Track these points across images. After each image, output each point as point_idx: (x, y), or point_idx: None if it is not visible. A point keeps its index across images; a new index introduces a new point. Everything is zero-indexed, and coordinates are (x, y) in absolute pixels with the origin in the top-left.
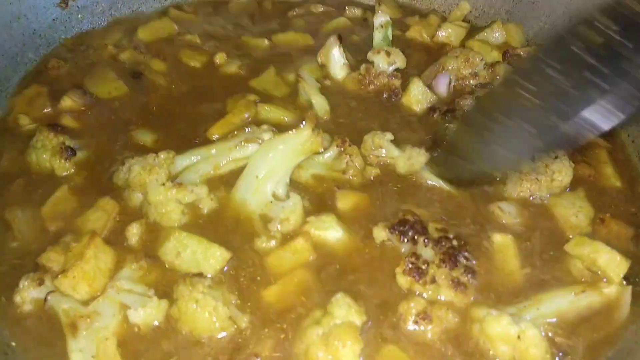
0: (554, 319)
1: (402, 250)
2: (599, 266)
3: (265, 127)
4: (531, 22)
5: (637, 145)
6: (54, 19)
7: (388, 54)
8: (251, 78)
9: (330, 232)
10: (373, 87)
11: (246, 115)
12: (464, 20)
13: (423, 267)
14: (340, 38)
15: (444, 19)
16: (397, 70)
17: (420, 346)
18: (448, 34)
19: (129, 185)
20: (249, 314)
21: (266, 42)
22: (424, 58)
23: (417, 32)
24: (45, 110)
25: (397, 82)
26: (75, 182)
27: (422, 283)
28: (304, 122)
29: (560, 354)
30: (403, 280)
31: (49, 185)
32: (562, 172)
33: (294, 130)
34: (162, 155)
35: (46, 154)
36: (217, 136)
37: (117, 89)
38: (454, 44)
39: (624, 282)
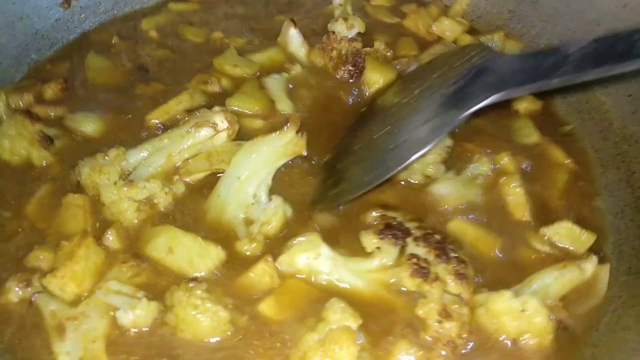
0: (546, 295)
1: (392, 255)
2: (568, 240)
3: (217, 108)
4: (534, 22)
5: None
6: (56, 19)
7: (345, 19)
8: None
9: (320, 256)
10: (335, 53)
11: (187, 105)
12: (464, 19)
13: (425, 265)
14: (293, 21)
15: (445, 11)
16: (357, 34)
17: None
18: (444, 27)
19: (81, 187)
20: (246, 317)
21: (260, 24)
22: (413, 49)
23: (413, 22)
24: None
25: (358, 45)
26: (56, 178)
27: (429, 282)
28: (287, 125)
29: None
30: (411, 283)
31: (30, 179)
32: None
33: (277, 132)
34: (112, 152)
35: (23, 142)
36: (157, 121)
37: (113, 79)
38: (449, 39)
39: (594, 257)
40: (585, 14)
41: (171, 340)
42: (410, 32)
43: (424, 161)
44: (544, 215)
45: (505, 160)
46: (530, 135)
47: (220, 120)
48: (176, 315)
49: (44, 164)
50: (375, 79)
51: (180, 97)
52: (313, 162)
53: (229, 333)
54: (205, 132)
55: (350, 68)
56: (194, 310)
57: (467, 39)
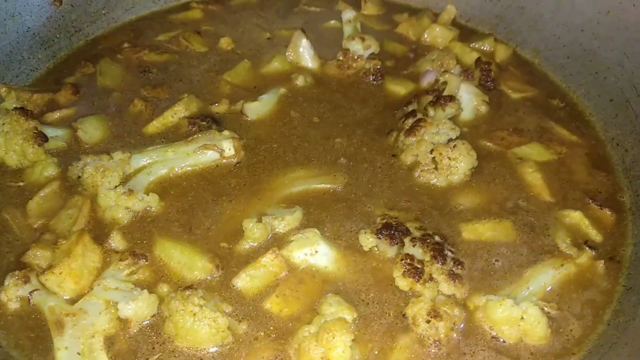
0: (543, 294)
1: (389, 254)
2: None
3: (226, 133)
4: (520, 27)
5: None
6: (48, 17)
7: (363, 39)
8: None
9: (317, 253)
10: (352, 71)
11: (182, 115)
12: (454, 25)
13: (419, 266)
14: (304, 31)
15: (434, 19)
16: (372, 54)
17: (434, 346)
18: (435, 34)
19: (81, 184)
20: (245, 321)
21: (268, 35)
22: (406, 56)
23: (404, 29)
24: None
25: (377, 63)
26: (57, 177)
27: (422, 282)
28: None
29: (555, 325)
30: (403, 283)
31: (31, 179)
32: (458, 159)
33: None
34: (117, 155)
35: (17, 139)
36: (156, 131)
37: (121, 85)
38: (440, 46)
39: (592, 252)
40: (569, 20)
41: (165, 336)
42: (403, 40)
43: (450, 165)
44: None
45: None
46: None
47: (228, 147)
48: (175, 324)
49: (45, 164)
50: (398, 89)
51: (174, 108)
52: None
53: (231, 338)
54: (211, 154)
55: (372, 80)
56: (192, 318)
57: (458, 46)
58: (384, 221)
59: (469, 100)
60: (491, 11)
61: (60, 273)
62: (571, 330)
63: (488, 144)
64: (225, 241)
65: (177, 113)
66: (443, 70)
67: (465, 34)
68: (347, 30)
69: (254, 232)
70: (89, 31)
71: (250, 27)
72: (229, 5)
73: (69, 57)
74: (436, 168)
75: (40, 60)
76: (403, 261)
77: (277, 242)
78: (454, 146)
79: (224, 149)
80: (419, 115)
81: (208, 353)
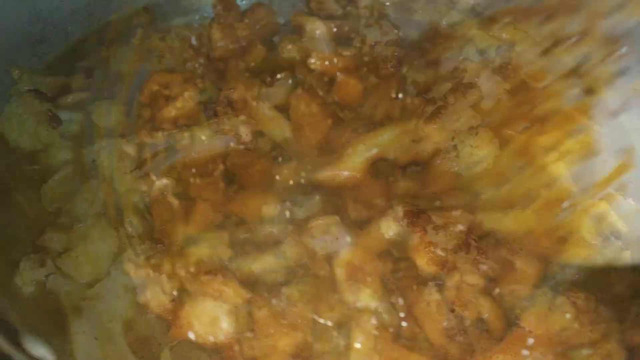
0: (569, 285)
1: (411, 242)
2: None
3: (243, 118)
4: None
5: None
6: (61, 0)
7: (381, 25)
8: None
9: (337, 240)
10: (369, 58)
11: (198, 99)
12: (472, 12)
13: (442, 254)
14: (320, 17)
15: (453, 5)
16: (390, 41)
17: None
18: (454, 21)
19: (96, 168)
20: (265, 308)
21: (283, 21)
22: (424, 43)
23: (421, 16)
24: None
25: (395, 50)
26: (73, 161)
27: (445, 271)
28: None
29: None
30: (426, 271)
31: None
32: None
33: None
34: (133, 140)
35: (30, 121)
36: (172, 115)
37: (136, 70)
38: (459, 33)
39: (619, 242)
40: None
41: (183, 322)
42: (420, 27)
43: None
44: None
45: None
46: None
47: (245, 133)
48: (193, 309)
49: (59, 147)
50: (417, 76)
51: (189, 93)
52: None
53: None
54: (227, 139)
55: (390, 67)
56: (211, 304)
57: (477, 34)
58: (406, 209)
59: (490, 88)
60: None
61: (77, 257)
62: (599, 322)
63: (509, 132)
64: (244, 226)
65: (192, 98)
66: (462, 57)
67: (484, 22)
68: (364, 16)
69: (272, 218)
70: (103, 15)
71: (266, 13)
72: None
73: (82, 41)
74: (457, 156)
75: (53, 44)
76: (426, 249)
77: (297, 228)
78: (476, 134)
79: (240, 134)
80: (439, 103)
81: (227, 339)
